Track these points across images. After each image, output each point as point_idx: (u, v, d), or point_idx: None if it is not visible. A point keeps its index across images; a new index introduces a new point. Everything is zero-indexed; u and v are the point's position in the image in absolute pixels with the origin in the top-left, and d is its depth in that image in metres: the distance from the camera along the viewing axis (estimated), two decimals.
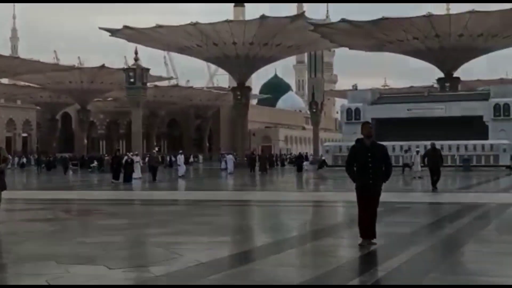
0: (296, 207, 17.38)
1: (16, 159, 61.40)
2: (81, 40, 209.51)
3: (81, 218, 14.05)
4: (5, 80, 79.14)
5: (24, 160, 63.04)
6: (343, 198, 18.95)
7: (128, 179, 29.94)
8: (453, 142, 46.29)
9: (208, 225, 12.26)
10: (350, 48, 64.18)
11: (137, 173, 31.97)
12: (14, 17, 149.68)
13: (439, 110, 47.55)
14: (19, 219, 11.96)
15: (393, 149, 46.58)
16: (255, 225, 13.21)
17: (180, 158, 37.60)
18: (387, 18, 51.10)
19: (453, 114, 47.16)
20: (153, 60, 67.39)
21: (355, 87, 52.31)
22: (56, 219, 13.42)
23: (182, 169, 36.57)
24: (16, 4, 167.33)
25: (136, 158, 33.40)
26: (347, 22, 52.47)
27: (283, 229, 12.41)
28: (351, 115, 48.68)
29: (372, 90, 54.13)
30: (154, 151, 36.26)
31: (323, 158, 46.81)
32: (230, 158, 43.63)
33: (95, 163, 49.83)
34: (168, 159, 56.40)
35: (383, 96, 51.12)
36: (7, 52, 74.42)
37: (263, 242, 10.01)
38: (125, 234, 10.90)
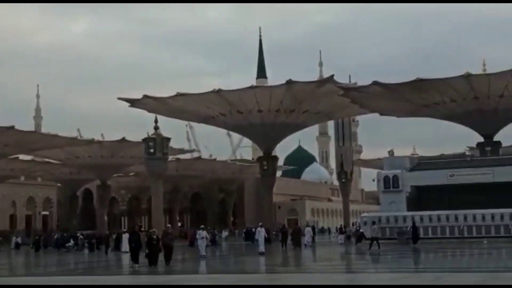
0: None
1: (14, 238, 57.19)
2: (103, 117, 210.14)
3: None
4: (25, 157, 76.82)
5: (19, 239, 58.46)
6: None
7: (154, 261, 24.50)
8: (500, 210, 42.34)
9: None
10: (381, 114, 60.85)
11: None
12: (37, 97, 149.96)
13: (485, 175, 43.63)
14: None
15: (438, 219, 42.78)
16: None
17: (260, 232, 34.13)
18: (422, 80, 47.88)
19: (502, 179, 43.23)
20: (174, 133, 64.65)
21: (391, 153, 48.60)
22: None
23: (262, 244, 33.25)
24: (40, 84, 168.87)
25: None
26: (380, 84, 49.38)
27: None
28: (389, 183, 44.94)
29: (410, 156, 50.49)
30: (168, 225, 31.80)
31: (360, 230, 42.86)
32: (308, 230, 42.72)
33: (71, 242, 46.81)
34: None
35: (422, 162, 47.41)
36: None
37: None
38: None
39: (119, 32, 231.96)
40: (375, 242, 34.03)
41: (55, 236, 53.41)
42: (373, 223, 37.86)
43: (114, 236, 45.47)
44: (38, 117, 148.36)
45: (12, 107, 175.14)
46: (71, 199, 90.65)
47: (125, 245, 39.78)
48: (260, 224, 36.91)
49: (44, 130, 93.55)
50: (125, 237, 40.90)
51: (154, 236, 25.15)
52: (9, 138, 60.84)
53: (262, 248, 33.13)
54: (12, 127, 58.70)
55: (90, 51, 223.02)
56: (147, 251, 24.72)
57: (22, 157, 75.71)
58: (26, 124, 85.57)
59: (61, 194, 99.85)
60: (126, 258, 29.79)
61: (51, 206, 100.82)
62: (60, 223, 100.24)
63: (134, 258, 25.23)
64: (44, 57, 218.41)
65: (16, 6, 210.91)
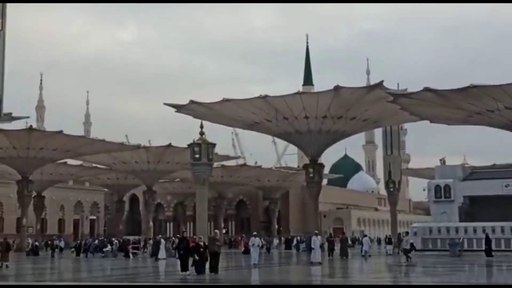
0: None
1: (56, 241, 57.25)
2: (150, 123, 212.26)
3: None
4: (74, 162, 77.69)
5: (62, 243, 58.32)
6: None
7: (202, 269, 23.47)
8: None
9: None
10: (431, 122, 59.00)
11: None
12: (87, 103, 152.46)
13: None
14: None
15: (493, 230, 41.08)
16: None
17: (316, 241, 32.47)
18: (475, 86, 46.02)
19: None
20: (220, 140, 64.08)
21: (443, 162, 46.97)
22: None
23: (316, 253, 31.84)
24: (89, 90, 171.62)
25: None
26: (431, 91, 47.72)
27: None
28: (440, 192, 43.45)
29: (463, 165, 48.75)
30: (216, 231, 30.65)
31: (410, 241, 41.42)
32: (366, 240, 41.50)
33: (109, 248, 46.69)
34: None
35: (476, 172, 45.72)
36: None
37: None
38: None
39: (165, 39, 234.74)
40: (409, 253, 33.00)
41: (95, 241, 53.56)
42: (406, 233, 36.67)
43: (153, 240, 45.20)
44: (87, 123, 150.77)
45: (62, 113, 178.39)
46: (117, 204, 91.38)
47: (162, 252, 39.45)
48: (316, 232, 35.48)
49: (92, 136, 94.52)
50: (162, 243, 40.58)
51: (201, 243, 23.96)
52: (57, 143, 61.59)
53: (317, 257, 31.76)
54: (60, 132, 59.39)
55: (137, 58, 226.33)
56: (197, 257, 23.39)
57: (70, 162, 76.63)
58: (76, 131, 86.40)
59: (108, 199, 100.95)
60: (163, 265, 29.05)
61: (98, 211, 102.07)
62: (107, 227, 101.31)
63: (183, 266, 23.91)
64: (93, 64, 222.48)
65: (66, 14, 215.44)
